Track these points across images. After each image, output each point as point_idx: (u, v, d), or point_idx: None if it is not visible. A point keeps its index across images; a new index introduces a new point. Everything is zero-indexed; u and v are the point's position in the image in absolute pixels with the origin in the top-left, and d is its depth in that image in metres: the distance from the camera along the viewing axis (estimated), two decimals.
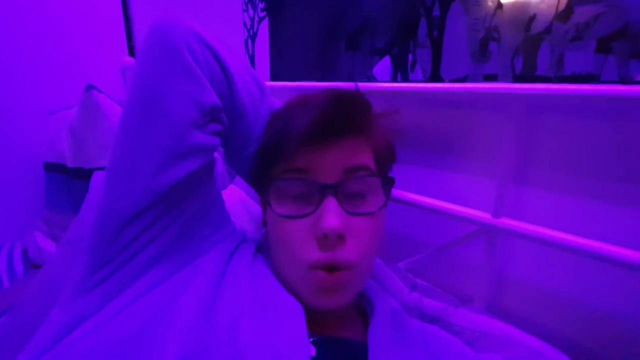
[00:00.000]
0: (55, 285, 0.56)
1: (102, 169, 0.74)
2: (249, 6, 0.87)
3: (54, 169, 1.06)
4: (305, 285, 0.37)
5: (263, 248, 0.45)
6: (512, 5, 0.47)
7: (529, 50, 0.46)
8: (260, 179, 0.43)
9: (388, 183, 0.40)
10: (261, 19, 0.85)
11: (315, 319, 0.35)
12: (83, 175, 0.85)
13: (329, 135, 0.37)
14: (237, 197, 0.68)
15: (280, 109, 0.44)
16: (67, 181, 1.00)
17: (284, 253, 0.39)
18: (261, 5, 0.85)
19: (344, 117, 0.37)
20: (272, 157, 0.40)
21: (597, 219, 0.44)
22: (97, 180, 0.67)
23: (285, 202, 0.38)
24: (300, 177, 0.37)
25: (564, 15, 0.43)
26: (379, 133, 0.41)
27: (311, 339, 0.33)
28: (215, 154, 0.44)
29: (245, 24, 0.89)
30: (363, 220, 0.37)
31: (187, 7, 1.07)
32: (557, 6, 0.43)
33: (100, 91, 0.82)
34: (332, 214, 0.34)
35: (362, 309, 0.45)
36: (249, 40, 0.89)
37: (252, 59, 0.89)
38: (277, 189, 0.38)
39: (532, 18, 0.45)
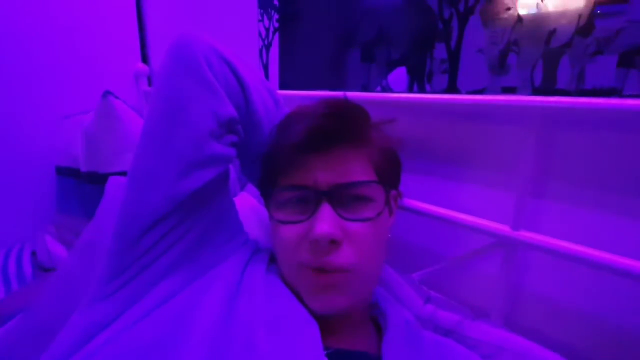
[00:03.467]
0: (70, 288, 0.57)
1: (117, 173, 0.75)
2: (265, 17, 0.88)
3: (66, 173, 1.07)
4: (300, 284, 0.38)
5: (275, 258, 0.45)
6: (532, 19, 0.47)
7: (548, 64, 0.46)
8: (264, 188, 0.44)
9: (389, 189, 0.40)
10: (276, 29, 0.86)
11: (328, 330, 0.35)
12: (97, 179, 0.85)
13: (323, 145, 0.37)
14: (248, 205, 0.68)
15: (281, 119, 0.45)
16: (78, 185, 1.01)
17: (281, 256, 0.40)
18: (276, 16, 0.86)
19: (338, 127, 0.38)
20: (271, 167, 0.41)
21: (618, 233, 0.43)
22: (113, 185, 0.67)
23: (283, 208, 0.39)
24: (297, 185, 0.38)
25: (584, 29, 0.43)
26: (377, 141, 0.41)
27: (326, 352, 0.33)
28: None
29: (260, 33, 0.90)
30: (361, 225, 0.37)
31: (203, 17, 1.09)
32: (578, 21, 0.43)
33: (117, 97, 0.83)
34: (324, 221, 0.35)
35: (375, 320, 0.45)
36: (264, 50, 0.90)
37: (265, 67, 0.91)
38: (276, 197, 0.40)
39: (552, 32, 0.45)
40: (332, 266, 0.35)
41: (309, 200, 0.37)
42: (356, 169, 0.38)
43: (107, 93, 0.83)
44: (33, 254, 1.03)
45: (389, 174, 0.43)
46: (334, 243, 0.35)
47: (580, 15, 0.43)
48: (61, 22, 1.18)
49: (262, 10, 0.89)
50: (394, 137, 0.44)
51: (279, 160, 0.40)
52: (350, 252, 0.36)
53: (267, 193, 0.42)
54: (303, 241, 0.37)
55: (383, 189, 0.39)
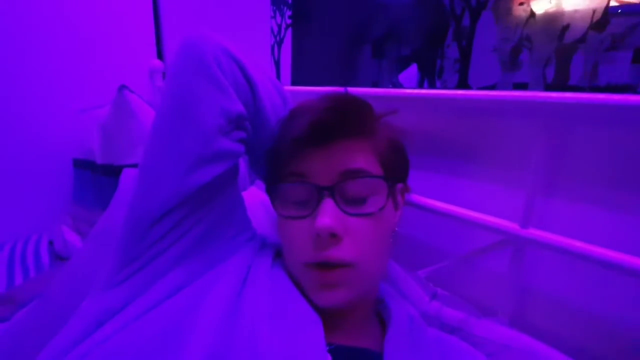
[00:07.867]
0: (83, 276, 0.58)
1: (131, 165, 0.77)
2: (277, 13, 0.89)
3: (83, 165, 1.10)
4: (305, 282, 0.38)
5: (281, 253, 0.46)
6: (545, 14, 0.47)
7: (561, 60, 0.46)
8: (268, 184, 0.45)
9: (394, 183, 0.40)
10: (288, 26, 0.87)
11: (332, 326, 0.36)
12: (112, 171, 0.88)
13: (325, 138, 0.38)
14: (258, 199, 0.69)
15: (285, 115, 0.45)
16: (94, 177, 1.03)
17: (287, 252, 0.41)
18: (288, 13, 0.87)
19: (340, 120, 0.38)
20: (275, 161, 0.42)
21: (630, 232, 0.43)
22: (127, 177, 0.69)
23: (287, 204, 0.40)
24: (299, 180, 0.38)
25: (599, 25, 0.42)
26: (381, 135, 0.41)
27: (328, 348, 0.34)
28: None
29: (272, 30, 0.91)
30: (362, 220, 0.37)
31: (217, 14, 1.10)
32: (593, 16, 0.43)
33: (132, 91, 0.85)
34: (325, 214, 0.35)
35: (380, 315, 0.45)
36: (276, 46, 0.91)
37: (277, 64, 0.91)
38: (280, 192, 0.40)
39: (566, 27, 0.45)
40: (334, 259, 0.36)
41: (312, 195, 0.38)
42: (359, 160, 0.38)
43: (122, 87, 0.85)
44: (50, 243, 1.07)
45: (395, 165, 0.43)
46: (334, 237, 0.36)
47: (594, 11, 0.42)
48: (78, 19, 1.21)
49: (274, 7, 0.90)
50: (399, 128, 0.44)
51: (281, 155, 0.40)
52: (351, 247, 0.36)
53: (271, 189, 0.43)
54: (307, 237, 0.37)
55: (385, 182, 0.39)
